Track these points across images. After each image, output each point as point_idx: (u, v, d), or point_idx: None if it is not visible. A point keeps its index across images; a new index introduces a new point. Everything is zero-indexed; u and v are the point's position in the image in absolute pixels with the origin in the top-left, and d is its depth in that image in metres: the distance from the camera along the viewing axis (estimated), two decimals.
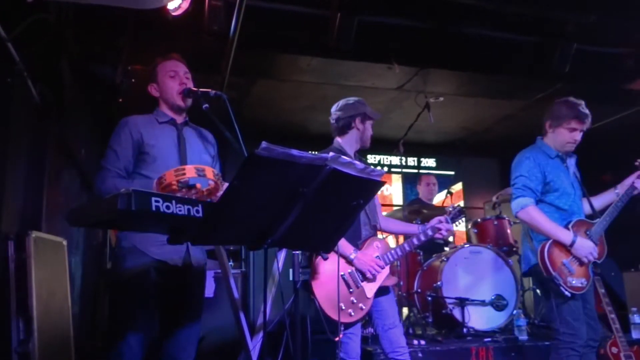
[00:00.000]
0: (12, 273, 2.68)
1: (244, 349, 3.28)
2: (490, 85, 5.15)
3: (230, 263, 4.03)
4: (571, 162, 3.10)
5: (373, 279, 2.73)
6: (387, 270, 2.78)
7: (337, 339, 2.66)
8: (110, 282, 2.39)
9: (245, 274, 4.22)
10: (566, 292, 2.80)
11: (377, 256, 2.77)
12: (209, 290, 3.94)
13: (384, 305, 2.76)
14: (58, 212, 3.57)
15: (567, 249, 2.86)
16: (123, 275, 2.24)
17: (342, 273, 2.71)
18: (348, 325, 2.67)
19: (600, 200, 3.11)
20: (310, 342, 2.73)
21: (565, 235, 2.85)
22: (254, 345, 3.23)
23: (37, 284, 2.71)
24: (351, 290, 2.69)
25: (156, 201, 1.60)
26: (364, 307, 2.68)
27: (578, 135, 3.01)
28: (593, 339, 2.93)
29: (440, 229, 2.84)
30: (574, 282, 2.82)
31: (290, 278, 2.84)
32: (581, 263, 2.87)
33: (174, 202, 1.64)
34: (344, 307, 2.66)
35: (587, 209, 3.09)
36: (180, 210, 1.65)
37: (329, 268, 2.69)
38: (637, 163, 3.09)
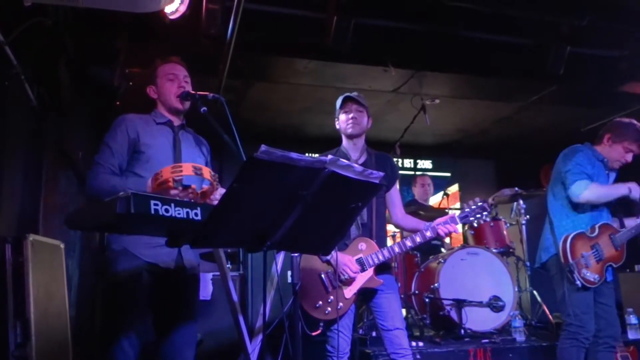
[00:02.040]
0: (10, 276, 2.67)
1: (243, 351, 3.28)
2: (485, 88, 5.17)
3: (228, 265, 4.03)
4: (612, 175, 3.24)
5: (350, 281, 2.70)
6: (369, 272, 2.70)
7: (314, 334, 2.69)
8: (103, 285, 2.40)
9: (243, 277, 4.22)
10: (577, 282, 2.93)
11: (359, 258, 2.71)
12: (207, 293, 3.93)
13: (383, 307, 2.72)
14: (55, 215, 3.57)
15: (588, 243, 3.01)
16: (115, 278, 2.24)
17: (321, 272, 2.72)
18: (329, 322, 2.69)
19: (629, 222, 3.20)
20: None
21: (623, 187, 3.05)
22: (253, 347, 3.23)
23: (35, 287, 2.70)
24: (328, 289, 2.69)
25: (155, 204, 1.61)
26: (341, 307, 2.68)
27: (630, 157, 3.16)
28: (613, 337, 3.02)
29: (439, 231, 2.71)
30: (587, 274, 2.96)
31: (289, 280, 2.85)
32: (598, 260, 3.00)
33: (172, 205, 1.64)
34: (319, 305, 2.68)
35: (616, 226, 3.18)
36: (179, 214, 1.66)
37: (306, 266, 2.72)
38: None
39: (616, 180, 3.24)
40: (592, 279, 2.95)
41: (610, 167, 3.19)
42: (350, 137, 2.86)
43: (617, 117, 3.34)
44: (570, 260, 2.95)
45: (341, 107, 2.87)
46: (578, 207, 3.10)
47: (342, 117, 2.86)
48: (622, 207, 3.21)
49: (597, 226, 3.05)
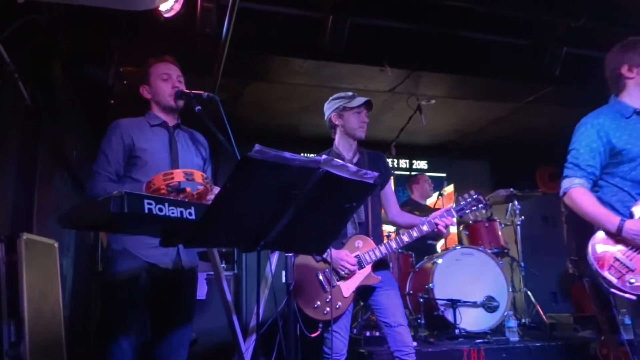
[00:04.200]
0: (3, 275, 2.65)
1: (237, 351, 3.28)
2: (481, 88, 5.18)
3: (223, 265, 4.03)
4: None
5: (348, 278, 2.68)
6: (367, 269, 2.69)
7: (313, 335, 2.67)
8: (102, 285, 2.40)
9: (237, 276, 4.21)
10: (627, 296, 2.18)
11: (357, 255, 2.69)
12: (202, 292, 3.93)
13: (384, 303, 2.68)
14: (49, 214, 3.55)
15: (620, 239, 2.23)
16: (114, 278, 2.25)
17: (318, 272, 2.70)
18: (327, 323, 2.65)
19: None
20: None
21: (611, 222, 2.22)
22: (247, 347, 3.23)
23: (29, 286, 2.69)
24: (326, 289, 2.67)
25: (149, 203, 1.60)
26: (340, 306, 2.66)
27: None
28: None
29: (437, 224, 2.70)
30: (633, 280, 2.17)
31: (283, 280, 2.84)
32: None
33: (166, 204, 1.64)
34: (318, 305, 2.66)
35: None
36: (172, 213, 1.65)
37: (304, 265, 2.70)
38: None
39: None
40: None
41: None
42: (356, 139, 2.84)
43: None
44: (602, 273, 2.19)
45: (357, 107, 2.80)
46: (620, 182, 2.35)
47: (354, 118, 2.80)
48: None
49: (633, 207, 2.27)
